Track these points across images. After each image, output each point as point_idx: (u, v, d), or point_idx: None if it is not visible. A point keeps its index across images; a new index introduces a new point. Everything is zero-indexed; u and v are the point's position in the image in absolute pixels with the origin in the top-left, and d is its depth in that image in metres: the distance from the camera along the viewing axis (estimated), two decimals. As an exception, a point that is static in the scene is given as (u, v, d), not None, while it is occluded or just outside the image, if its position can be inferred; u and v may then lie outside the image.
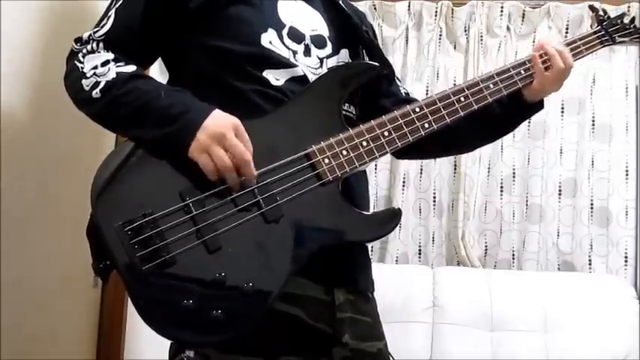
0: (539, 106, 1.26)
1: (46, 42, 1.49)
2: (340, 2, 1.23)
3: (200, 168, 0.97)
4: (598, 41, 1.32)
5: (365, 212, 1.08)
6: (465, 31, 2.77)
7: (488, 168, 2.71)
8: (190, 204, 0.96)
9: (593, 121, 2.66)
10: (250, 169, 0.98)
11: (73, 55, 1.08)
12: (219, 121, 0.98)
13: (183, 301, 0.91)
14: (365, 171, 1.20)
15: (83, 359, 1.74)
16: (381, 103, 1.26)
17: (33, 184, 1.45)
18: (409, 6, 2.79)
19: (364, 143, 1.07)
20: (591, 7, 1.40)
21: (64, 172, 1.56)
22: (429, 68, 2.76)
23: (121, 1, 1.09)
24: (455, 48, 2.80)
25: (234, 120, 0.99)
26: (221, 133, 0.96)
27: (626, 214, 2.59)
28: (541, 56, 1.22)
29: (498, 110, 1.24)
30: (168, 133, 0.98)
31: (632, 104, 2.66)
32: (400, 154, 1.31)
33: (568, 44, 1.28)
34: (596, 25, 1.35)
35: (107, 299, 1.81)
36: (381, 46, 2.74)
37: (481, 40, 2.74)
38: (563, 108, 2.69)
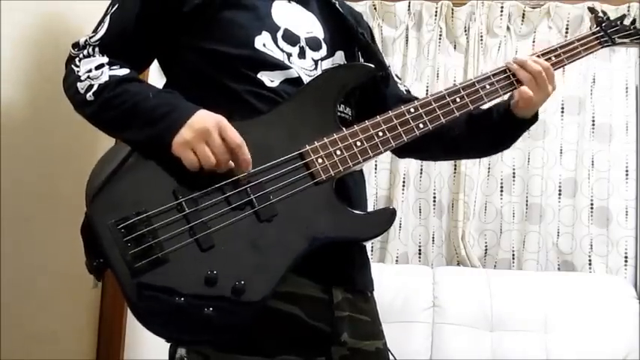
0: (534, 118, 1.24)
1: (46, 41, 1.49)
2: (336, 4, 1.23)
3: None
4: (597, 42, 1.31)
5: (359, 212, 1.08)
6: (465, 31, 2.77)
7: (488, 168, 2.71)
8: (183, 202, 0.96)
9: (593, 121, 2.65)
10: (228, 167, 0.98)
11: (70, 60, 1.11)
12: (203, 119, 0.99)
13: (176, 298, 0.92)
14: (362, 172, 1.20)
15: (83, 359, 1.75)
16: (379, 105, 1.26)
17: (33, 184, 1.46)
18: (409, 6, 2.79)
19: (358, 143, 1.08)
20: (590, 9, 1.38)
21: (63, 173, 1.57)
22: (429, 68, 2.76)
23: (116, 7, 1.11)
24: (455, 48, 2.79)
25: (218, 117, 0.99)
26: (205, 129, 0.97)
27: (626, 214, 2.59)
28: (510, 77, 1.20)
29: (495, 126, 1.23)
30: (154, 133, 0.99)
31: (632, 104, 2.65)
32: (400, 152, 1.31)
33: (566, 45, 1.27)
34: (595, 26, 1.34)
35: (107, 299, 1.82)
36: (380, 47, 2.74)
37: (481, 40, 2.74)
38: (563, 108, 2.69)
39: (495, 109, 1.24)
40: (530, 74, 1.19)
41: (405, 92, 1.33)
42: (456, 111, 1.15)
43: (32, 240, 1.46)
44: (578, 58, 1.28)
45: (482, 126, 1.24)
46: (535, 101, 1.19)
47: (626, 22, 1.36)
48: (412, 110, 1.13)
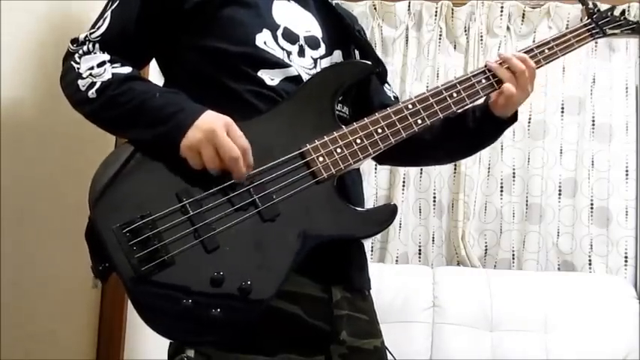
0: (513, 119, 1.25)
1: (47, 40, 1.49)
2: (333, 4, 1.24)
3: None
4: (588, 34, 1.33)
5: (361, 209, 1.09)
6: (465, 31, 2.77)
7: (488, 168, 2.71)
8: (187, 205, 0.96)
9: (593, 121, 2.66)
10: (238, 168, 0.98)
11: (69, 56, 1.10)
12: (211, 120, 0.99)
13: (182, 300, 0.92)
14: (360, 171, 1.20)
15: (83, 359, 1.75)
16: (373, 103, 1.27)
17: (33, 184, 1.46)
18: (409, 6, 2.80)
19: (358, 141, 1.08)
20: (581, 1, 1.39)
21: (64, 173, 1.57)
22: (429, 68, 2.76)
23: (117, 3, 1.10)
24: (455, 48, 2.80)
25: (225, 119, 1.00)
26: (212, 131, 0.97)
27: (626, 214, 2.59)
28: (501, 64, 1.21)
29: (472, 126, 1.24)
30: (161, 133, 0.99)
31: (632, 104, 2.65)
32: (380, 160, 1.32)
33: (558, 38, 1.29)
34: (586, 18, 1.36)
35: (107, 299, 1.81)
36: (380, 47, 2.74)
37: (481, 40, 2.74)
38: (563, 108, 2.69)
39: (473, 110, 1.25)
40: (511, 73, 1.20)
41: (392, 98, 1.34)
42: (453, 106, 1.16)
43: (32, 240, 1.46)
44: (571, 50, 1.29)
45: (460, 128, 1.24)
46: (515, 100, 1.20)
47: (616, 12, 1.38)
48: (410, 106, 1.13)
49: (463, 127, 1.24)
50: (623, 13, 1.38)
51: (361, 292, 1.18)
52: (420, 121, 1.13)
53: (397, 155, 1.18)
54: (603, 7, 1.38)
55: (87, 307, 1.77)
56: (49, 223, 1.52)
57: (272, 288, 0.96)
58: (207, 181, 0.98)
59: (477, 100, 1.19)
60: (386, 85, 1.34)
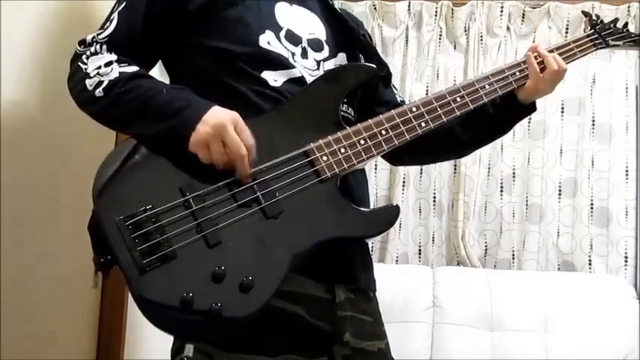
0: (532, 108, 1.28)
1: (47, 41, 1.49)
2: (336, 7, 1.25)
3: (200, 163, 0.98)
4: (591, 44, 1.35)
5: (363, 209, 1.09)
6: (465, 31, 2.77)
7: (488, 168, 2.71)
8: (190, 199, 0.97)
9: (593, 121, 2.66)
10: (244, 164, 0.98)
11: (77, 57, 1.10)
12: (219, 115, 0.99)
13: (183, 294, 0.92)
14: (364, 171, 1.21)
15: (83, 359, 1.74)
16: (378, 108, 1.27)
17: (33, 183, 1.45)
18: (409, 6, 2.80)
19: (362, 141, 1.09)
20: (584, 13, 1.43)
21: (64, 172, 1.56)
22: (429, 68, 2.76)
23: (123, 4, 1.11)
24: (455, 48, 2.80)
25: (233, 114, 1.00)
26: (221, 125, 0.97)
27: (626, 214, 2.59)
28: (536, 57, 1.26)
29: (492, 111, 1.26)
30: (169, 128, 0.99)
31: (632, 104, 2.66)
32: (395, 160, 1.33)
33: (562, 47, 1.31)
34: (589, 28, 1.38)
35: (107, 299, 1.81)
36: (380, 47, 2.73)
37: (481, 40, 2.74)
38: (563, 108, 2.69)
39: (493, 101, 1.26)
40: (558, 66, 1.24)
41: (400, 102, 1.34)
42: (456, 110, 1.18)
43: (32, 240, 1.46)
44: (574, 60, 1.32)
45: (480, 118, 1.25)
46: (542, 88, 1.25)
47: (619, 25, 1.40)
48: (414, 109, 1.14)
49: (482, 114, 1.25)
50: (625, 25, 1.41)
51: (365, 293, 1.18)
52: (423, 124, 1.14)
53: (413, 152, 1.19)
54: (606, 19, 1.41)
55: (87, 307, 1.77)
56: (49, 223, 1.52)
57: (273, 284, 0.96)
58: (211, 176, 0.99)
59: (480, 104, 1.21)
60: (393, 89, 1.35)
